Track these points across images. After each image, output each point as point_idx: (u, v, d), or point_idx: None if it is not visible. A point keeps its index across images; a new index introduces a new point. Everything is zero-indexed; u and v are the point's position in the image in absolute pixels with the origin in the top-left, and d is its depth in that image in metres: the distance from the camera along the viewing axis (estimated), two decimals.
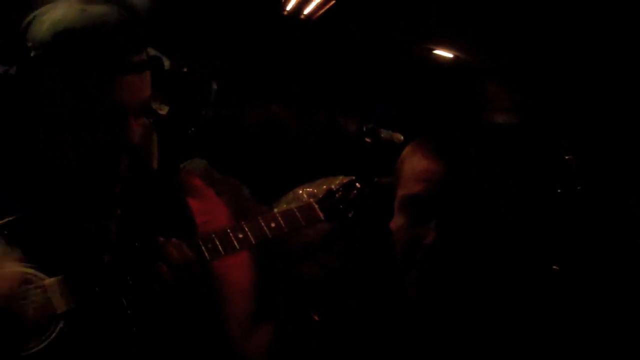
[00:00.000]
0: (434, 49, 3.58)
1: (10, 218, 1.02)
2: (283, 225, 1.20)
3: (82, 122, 1.02)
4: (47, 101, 1.02)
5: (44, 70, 1.01)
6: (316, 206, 1.25)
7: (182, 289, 1.09)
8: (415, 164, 1.24)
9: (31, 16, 1.03)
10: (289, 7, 3.23)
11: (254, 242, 1.17)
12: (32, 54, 1.00)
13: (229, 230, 1.16)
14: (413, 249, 1.20)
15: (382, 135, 2.94)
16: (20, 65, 1.03)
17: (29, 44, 1.01)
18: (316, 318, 1.26)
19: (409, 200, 1.22)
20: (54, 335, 0.98)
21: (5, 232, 1.00)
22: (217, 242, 1.14)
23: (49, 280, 1.00)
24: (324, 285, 1.33)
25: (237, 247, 1.16)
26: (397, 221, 1.24)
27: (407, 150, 1.30)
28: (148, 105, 1.10)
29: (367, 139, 2.92)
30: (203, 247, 1.13)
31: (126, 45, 1.02)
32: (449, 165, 1.19)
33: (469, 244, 1.20)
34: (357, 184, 1.33)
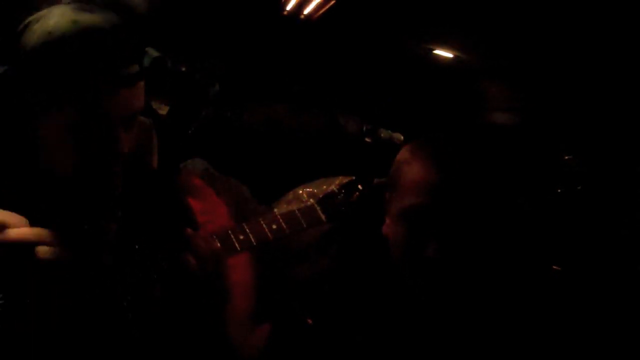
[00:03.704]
0: (434, 49, 3.57)
1: None
2: (284, 226, 1.20)
3: (69, 133, 1.01)
4: (36, 111, 1.02)
5: (35, 78, 1.00)
6: (318, 208, 1.25)
7: (208, 281, 1.10)
8: (414, 173, 1.22)
9: (27, 21, 1.02)
10: (289, 7, 3.22)
11: (255, 243, 1.17)
12: (22, 63, 1.00)
13: (230, 232, 1.16)
14: (415, 259, 1.20)
15: (382, 135, 2.94)
16: (15, 67, 1.03)
17: (21, 52, 1.00)
18: (309, 321, 1.26)
19: (409, 211, 1.21)
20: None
21: None
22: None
23: None
24: (317, 288, 1.32)
25: (238, 248, 1.16)
26: (396, 230, 1.23)
27: (403, 154, 1.28)
28: (139, 113, 1.09)
29: (367, 139, 2.92)
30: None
31: (116, 58, 1.00)
32: (449, 175, 1.18)
33: (471, 251, 1.19)
34: (358, 186, 1.33)
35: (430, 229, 1.17)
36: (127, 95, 1.03)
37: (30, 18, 1.01)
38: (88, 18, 0.99)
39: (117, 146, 1.04)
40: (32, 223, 1.02)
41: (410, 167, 1.23)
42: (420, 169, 1.21)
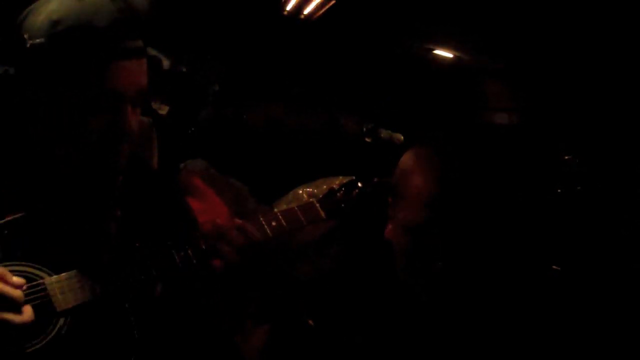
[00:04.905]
0: (434, 49, 3.58)
1: (11, 217, 1.01)
2: (284, 224, 1.20)
3: (79, 110, 1.02)
4: (44, 91, 1.02)
5: (41, 59, 1.01)
6: (317, 205, 1.25)
7: (246, 268, 1.13)
8: (419, 186, 1.22)
9: (27, 10, 1.03)
10: (289, 7, 3.23)
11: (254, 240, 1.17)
12: (28, 45, 1.01)
13: None
14: (420, 270, 1.20)
15: (382, 135, 2.94)
16: (17, 57, 1.03)
17: (25, 35, 1.01)
18: (310, 323, 1.25)
19: (416, 226, 1.21)
20: (53, 334, 0.98)
21: (6, 231, 1.00)
22: None
23: (48, 279, 0.99)
24: (317, 288, 1.32)
25: None
26: (400, 240, 1.23)
27: (407, 162, 1.28)
28: (145, 95, 1.09)
29: (367, 139, 2.92)
30: (203, 247, 1.13)
31: (120, 31, 1.02)
32: (454, 187, 1.19)
33: (475, 257, 1.20)
34: (358, 184, 1.33)
35: (436, 244, 1.18)
36: (131, 68, 1.04)
37: (31, 7, 1.03)
38: None
39: (125, 124, 1.04)
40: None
41: (414, 179, 1.23)
42: (425, 182, 1.21)
